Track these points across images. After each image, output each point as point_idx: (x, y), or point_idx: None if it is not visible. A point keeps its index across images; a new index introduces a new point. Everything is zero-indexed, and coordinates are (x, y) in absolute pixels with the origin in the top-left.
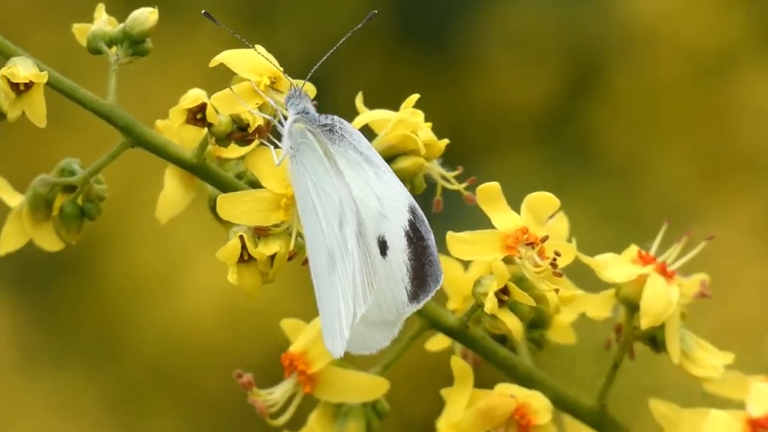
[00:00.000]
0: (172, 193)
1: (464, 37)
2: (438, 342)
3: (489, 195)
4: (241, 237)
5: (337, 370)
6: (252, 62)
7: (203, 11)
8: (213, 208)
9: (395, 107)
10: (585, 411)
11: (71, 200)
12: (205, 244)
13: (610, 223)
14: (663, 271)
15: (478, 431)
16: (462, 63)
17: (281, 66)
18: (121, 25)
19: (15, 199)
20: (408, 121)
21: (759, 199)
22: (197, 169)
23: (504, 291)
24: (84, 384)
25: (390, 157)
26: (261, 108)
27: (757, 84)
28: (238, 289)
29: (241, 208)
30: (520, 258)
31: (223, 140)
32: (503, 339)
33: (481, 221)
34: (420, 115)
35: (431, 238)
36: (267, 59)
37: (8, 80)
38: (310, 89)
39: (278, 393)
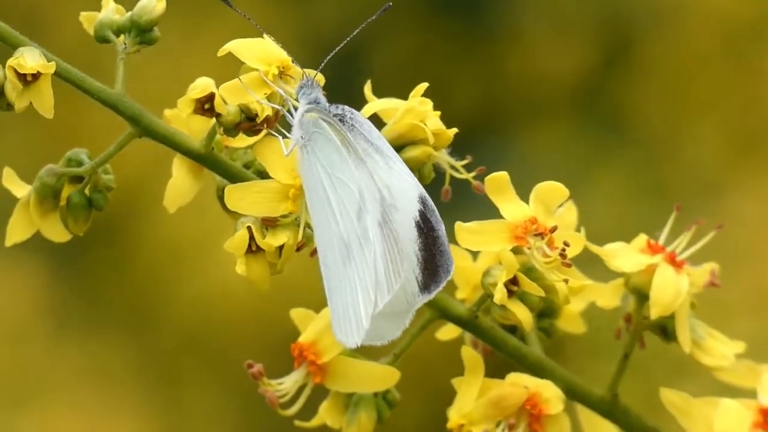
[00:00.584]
0: (180, 182)
1: (500, 8)
2: (448, 331)
3: (498, 185)
4: (249, 228)
5: (348, 360)
6: (261, 52)
7: None
8: (221, 198)
9: (429, 79)
10: (596, 400)
11: (79, 191)
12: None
13: (644, 195)
14: (672, 260)
15: (490, 421)
16: (497, 35)
17: (315, 37)
18: (129, 14)
19: (22, 190)
20: (417, 110)
21: None
22: (205, 159)
23: (513, 281)
24: (117, 352)
25: (398, 147)
26: (270, 98)
27: None
28: (246, 279)
29: (248, 199)
30: (529, 248)
31: (231, 130)
32: (513, 328)
33: (490, 211)
34: (429, 104)
35: (442, 229)
36: (276, 48)
37: (15, 71)
38: (320, 79)
39: (288, 383)
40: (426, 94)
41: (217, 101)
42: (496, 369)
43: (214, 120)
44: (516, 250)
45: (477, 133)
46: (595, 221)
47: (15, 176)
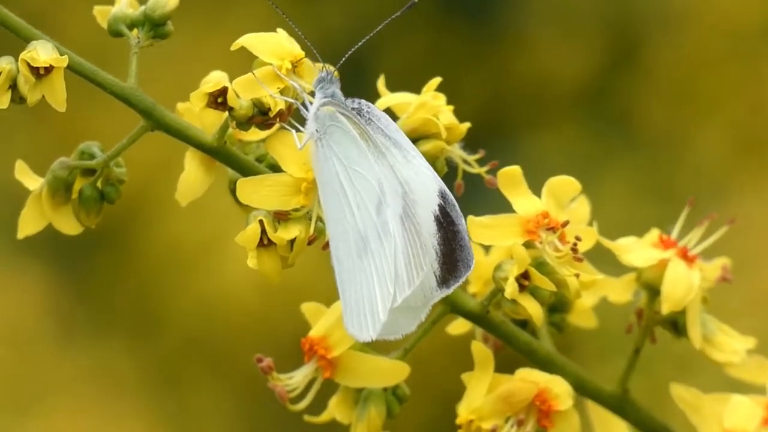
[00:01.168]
0: (193, 176)
1: (507, 11)
2: (459, 326)
3: (510, 179)
4: (260, 221)
5: (358, 355)
6: (274, 46)
7: None
8: (233, 192)
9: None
10: (607, 396)
11: (91, 183)
12: (242, 216)
13: (650, 197)
14: (684, 255)
15: (499, 416)
16: (504, 37)
17: (322, 42)
18: (142, 8)
19: (34, 182)
20: (429, 105)
21: None
22: (217, 153)
23: (524, 276)
24: (122, 356)
25: (412, 141)
26: (282, 92)
27: None
28: (258, 273)
29: (261, 192)
30: (541, 243)
31: (244, 124)
32: (524, 323)
33: (503, 205)
34: (442, 98)
35: (462, 223)
36: (289, 43)
37: (28, 64)
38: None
39: (298, 378)
40: None
41: (230, 95)
42: (505, 364)
43: (226, 114)
44: (528, 245)
45: (483, 135)
46: (600, 223)
47: (27, 169)
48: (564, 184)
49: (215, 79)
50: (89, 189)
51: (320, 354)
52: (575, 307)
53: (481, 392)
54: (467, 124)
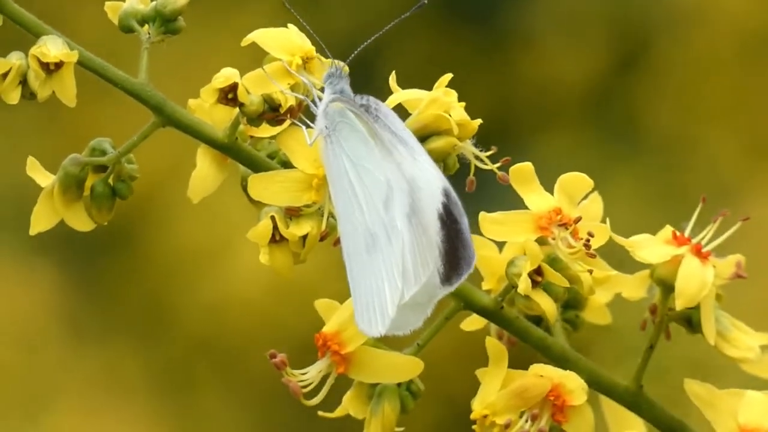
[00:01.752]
0: (204, 173)
1: (513, 14)
2: (473, 322)
3: (522, 175)
4: (272, 217)
5: (372, 351)
6: (284, 41)
7: None
8: (245, 188)
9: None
10: (621, 391)
11: (102, 180)
12: (252, 219)
13: (657, 201)
14: (698, 252)
15: (513, 412)
16: (509, 40)
17: (326, 44)
18: (153, 3)
19: (46, 179)
20: (441, 101)
21: None
22: (229, 149)
23: (537, 272)
24: (131, 359)
25: (423, 137)
26: (293, 88)
27: None
28: (270, 269)
29: (272, 189)
30: (554, 239)
31: (255, 120)
32: (538, 319)
33: (515, 201)
34: (453, 94)
35: (465, 222)
36: (300, 38)
37: (38, 59)
38: (346, 70)
39: (312, 373)
40: None
41: (241, 91)
42: (519, 361)
43: (237, 110)
44: (541, 241)
45: (489, 139)
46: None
47: (39, 166)
48: (576, 180)
49: (226, 74)
50: (101, 185)
51: (334, 350)
52: (590, 303)
53: (495, 387)
54: (479, 121)
